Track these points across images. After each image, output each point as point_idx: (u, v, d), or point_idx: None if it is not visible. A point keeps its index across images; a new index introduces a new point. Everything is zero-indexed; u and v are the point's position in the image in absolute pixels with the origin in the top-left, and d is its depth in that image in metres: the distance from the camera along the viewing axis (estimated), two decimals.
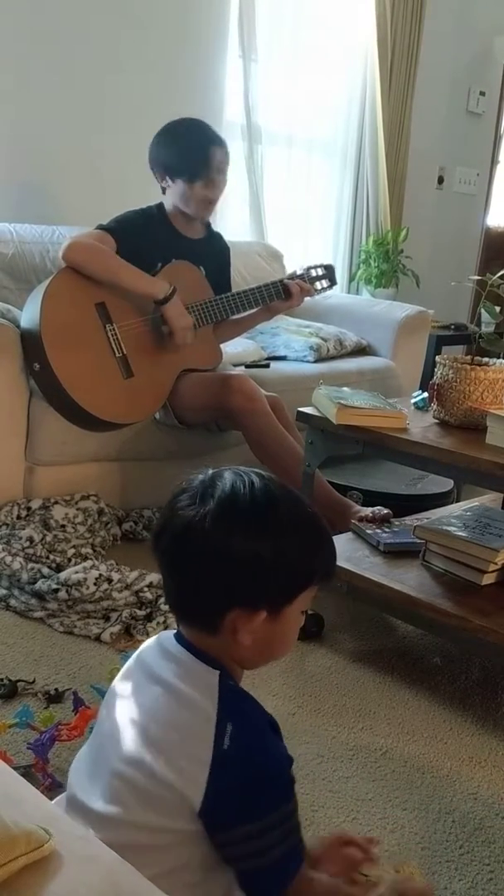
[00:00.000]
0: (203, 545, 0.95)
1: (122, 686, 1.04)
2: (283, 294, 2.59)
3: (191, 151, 2.46)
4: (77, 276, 2.37)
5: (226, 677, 0.97)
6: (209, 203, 2.53)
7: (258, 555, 0.94)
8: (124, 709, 1.00)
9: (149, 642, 1.06)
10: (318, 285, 2.69)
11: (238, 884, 0.98)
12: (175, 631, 1.04)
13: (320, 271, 2.69)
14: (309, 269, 2.68)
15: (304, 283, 2.61)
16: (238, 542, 0.94)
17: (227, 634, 0.97)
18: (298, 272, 2.67)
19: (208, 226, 2.69)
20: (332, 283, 2.73)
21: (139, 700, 0.99)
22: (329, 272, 2.71)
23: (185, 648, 1.00)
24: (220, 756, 0.91)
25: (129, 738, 0.97)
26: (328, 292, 2.84)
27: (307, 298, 2.67)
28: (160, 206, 2.57)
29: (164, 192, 2.56)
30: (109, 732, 1.00)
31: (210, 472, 1.01)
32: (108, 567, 2.12)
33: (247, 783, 0.93)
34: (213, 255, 2.65)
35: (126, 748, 0.96)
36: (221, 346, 2.70)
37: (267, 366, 3.03)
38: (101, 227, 2.45)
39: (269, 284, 2.61)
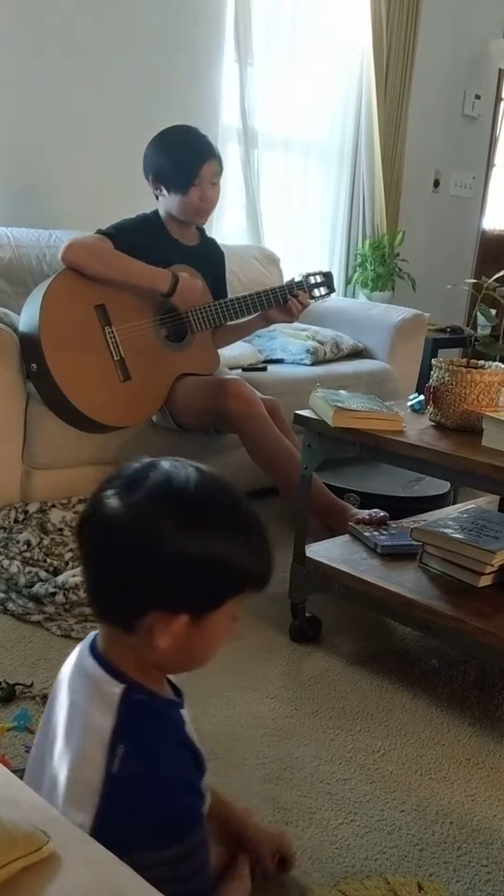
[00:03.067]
0: (126, 537, 0.86)
1: (50, 703, 0.98)
2: (281, 301, 2.60)
3: (183, 164, 2.45)
4: (78, 277, 2.37)
5: (132, 690, 0.90)
6: (204, 211, 2.53)
7: (184, 554, 0.86)
8: (46, 729, 0.95)
9: (73, 653, 0.99)
10: (315, 292, 2.69)
11: None
12: (93, 636, 0.98)
13: (319, 279, 2.69)
14: (307, 276, 2.68)
15: (304, 297, 2.61)
16: (165, 537, 0.85)
17: (144, 635, 0.89)
18: (297, 279, 2.67)
19: (202, 232, 2.69)
20: (331, 290, 2.73)
21: (56, 720, 0.94)
22: (327, 280, 2.71)
23: (96, 660, 0.93)
24: (109, 781, 0.85)
25: (47, 762, 0.92)
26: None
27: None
28: (156, 212, 2.58)
29: (157, 199, 2.56)
30: (37, 750, 0.96)
31: (146, 460, 0.92)
32: None
33: (131, 814, 0.85)
34: (208, 261, 2.66)
35: (46, 772, 0.91)
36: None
37: (264, 369, 3.03)
38: (100, 232, 2.46)
39: (268, 291, 2.60)
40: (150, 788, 0.87)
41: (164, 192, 2.50)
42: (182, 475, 0.89)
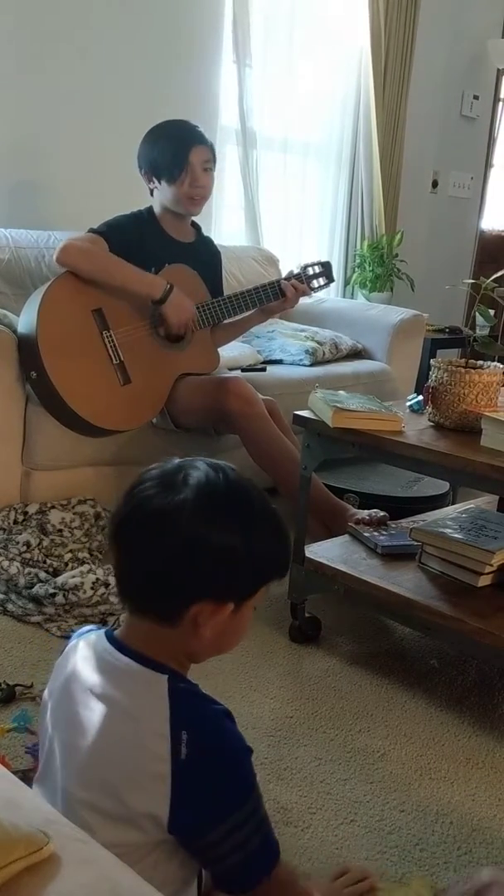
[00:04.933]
0: (180, 535, 0.92)
1: (61, 703, 0.99)
2: (279, 295, 2.60)
3: (172, 152, 2.45)
4: (74, 282, 2.37)
5: (174, 680, 0.95)
6: (197, 200, 2.52)
7: (234, 547, 0.93)
8: (71, 730, 0.96)
9: (80, 652, 1.00)
10: (314, 283, 2.68)
11: (215, 884, 0.98)
12: (104, 635, 1.00)
13: (317, 269, 2.69)
14: (306, 267, 2.67)
15: (300, 283, 2.61)
16: (216, 533, 0.92)
17: (186, 627, 0.94)
18: (295, 271, 2.66)
19: (198, 230, 2.69)
20: (330, 280, 2.72)
21: (86, 720, 0.95)
22: (326, 269, 2.70)
23: (127, 655, 0.96)
24: (180, 768, 0.89)
25: (84, 763, 0.93)
26: (323, 295, 2.84)
27: (304, 299, 2.66)
28: (150, 209, 2.57)
29: (152, 195, 2.56)
30: (59, 756, 0.97)
31: (177, 460, 0.98)
32: (104, 571, 2.12)
33: (210, 789, 0.91)
34: (204, 259, 2.65)
35: (83, 774, 0.93)
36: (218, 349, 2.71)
37: (263, 370, 3.03)
38: (93, 231, 2.46)
39: (265, 285, 2.61)
40: (223, 763, 0.92)
41: (157, 183, 2.50)
42: (220, 474, 0.96)
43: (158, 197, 2.54)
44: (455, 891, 1.18)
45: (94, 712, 0.95)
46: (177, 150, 2.45)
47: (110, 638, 0.99)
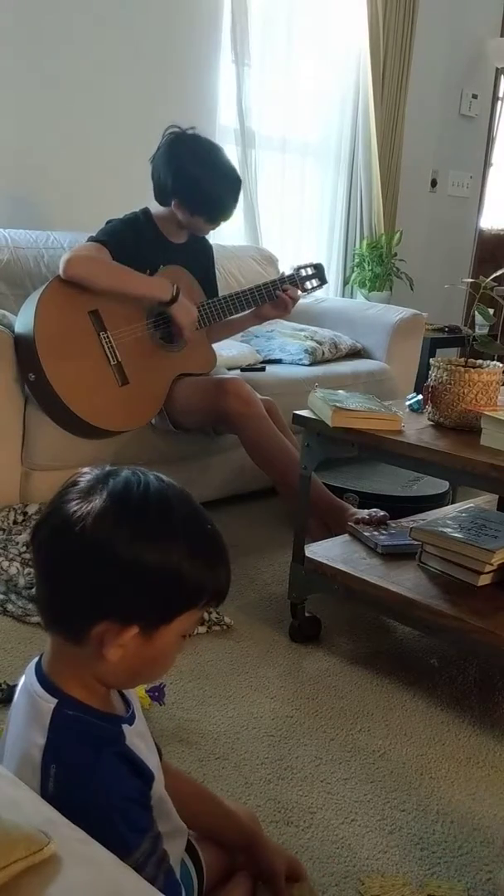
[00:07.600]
0: (80, 543, 0.83)
1: (6, 727, 0.96)
2: (273, 296, 2.60)
3: (215, 200, 2.48)
4: (70, 284, 2.36)
5: (64, 706, 0.87)
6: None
7: (140, 562, 0.83)
8: (4, 749, 0.93)
9: (24, 675, 0.96)
10: (307, 285, 2.68)
11: None
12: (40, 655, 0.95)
13: (310, 271, 2.69)
14: (298, 268, 2.67)
15: (294, 290, 2.61)
16: (120, 544, 0.83)
17: (92, 647, 0.85)
18: (288, 273, 2.67)
19: None
20: (323, 281, 2.73)
21: (7, 746, 0.92)
22: (319, 271, 2.70)
23: (37, 676, 0.90)
24: (47, 802, 0.81)
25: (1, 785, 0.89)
26: (322, 295, 2.84)
27: (302, 299, 2.66)
28: (146, 211, 2.56)
29: (157, 200, 2.55)
30: None
31: (106, 468, 0.90)
32: None
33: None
34: (197, 257, 2.65)
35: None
36: (216, 349, 2.71)
37: (262, 369, 3.03)
38: (93, 240, 2.45)
39: (260, 286, 2.61)
40: (84, 804, 0.84)
41: (186, 213, 2.49)
42: (141, 483, 0.87)
43: (173, 211, 2.51)
44: None
45: (11, 738, 0.91)
46: (216, 207, 2.50)
47: (39, 657, 0.94)
